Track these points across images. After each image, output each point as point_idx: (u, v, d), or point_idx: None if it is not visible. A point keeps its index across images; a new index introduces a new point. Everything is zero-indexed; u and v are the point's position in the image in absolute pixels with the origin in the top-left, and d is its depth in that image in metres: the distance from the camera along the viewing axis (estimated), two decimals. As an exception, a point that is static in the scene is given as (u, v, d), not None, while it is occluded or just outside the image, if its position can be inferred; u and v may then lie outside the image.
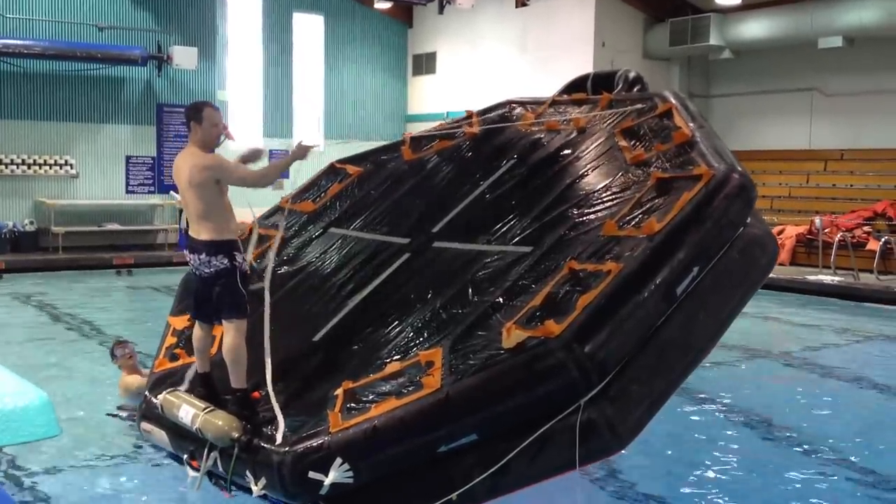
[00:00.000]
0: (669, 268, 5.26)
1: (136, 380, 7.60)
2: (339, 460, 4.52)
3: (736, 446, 7.57)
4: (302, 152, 5.86)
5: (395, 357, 5.31)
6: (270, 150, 22.41)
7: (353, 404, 4.86)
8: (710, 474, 6.86)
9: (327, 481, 4.51)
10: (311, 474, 4.55)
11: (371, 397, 4.89)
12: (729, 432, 8.00)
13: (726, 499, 6.35)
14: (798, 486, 6.62)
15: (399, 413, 4.65)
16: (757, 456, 7.30)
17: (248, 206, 6.00)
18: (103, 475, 6.60)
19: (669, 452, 7.20)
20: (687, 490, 6.51)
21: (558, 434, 4.75)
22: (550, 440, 4.75)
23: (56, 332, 12.09)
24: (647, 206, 5.79)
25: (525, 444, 4.70)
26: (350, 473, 4.54)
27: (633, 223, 5.64)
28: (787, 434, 7.86)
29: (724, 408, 8.70)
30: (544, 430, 4.71)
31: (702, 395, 8.84)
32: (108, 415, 7.62)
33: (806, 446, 7.53)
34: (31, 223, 19.00)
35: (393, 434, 4.62)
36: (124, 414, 7.50)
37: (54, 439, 7.01)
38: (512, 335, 4.82)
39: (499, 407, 4.72)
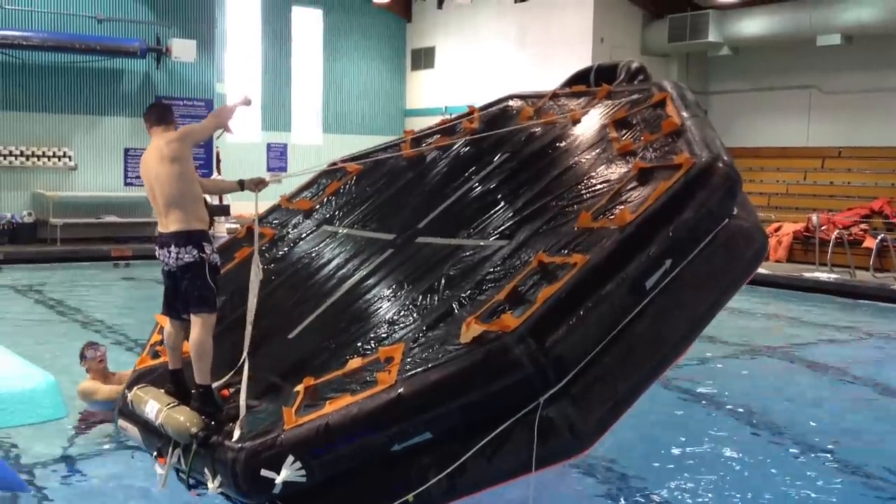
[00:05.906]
0: (638, 260, 5.08)
1: (99, 387, 7.46)
2: (290, 458, 4.42)
3: (729, 440, 7.58)
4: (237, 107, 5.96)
5: (361, 354, 5.21)
6: (268, 144, 22.52)
7: (311, 401, 4.76)
8: (702, 467, 6.88)
9: (279, 479, 4.41)
10: (264, 472, 4.44)
11: (330, 394, 4.78)
12: (722, 426, 8.04)
13: (717, 492, 6.37)
14: (788, 479, 6.65)
15: (352, 410, 4.54)
16: (748, 450, 7.31)
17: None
18: (90, 465, 6.68)
19: (662, 443, 7.22)
20: (675, 482, 6.53)
21: (516, 434, 4.61)
22: (508, 440, 4.61)
23: (53, 322, 12.12)
24: (626, 196, 5.63)
25: (482, 445, 4.56)
26: (302, 472, 4.43)
27: (610, 215, 5.48)
28: (781, 429, 7.90)
29: (718, 402, 8.73)
30: (501, 429, 4.57)
31: (696, 389, 8.87)
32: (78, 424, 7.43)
33: (798, 441, 7.57)
34: (30, 214, 19.08)
35: (345, 431, 4.50)
36: (87, 421, 7.35)
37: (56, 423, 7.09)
38: (470, 329, 4.67)
39: (452, 404, 4.58)
